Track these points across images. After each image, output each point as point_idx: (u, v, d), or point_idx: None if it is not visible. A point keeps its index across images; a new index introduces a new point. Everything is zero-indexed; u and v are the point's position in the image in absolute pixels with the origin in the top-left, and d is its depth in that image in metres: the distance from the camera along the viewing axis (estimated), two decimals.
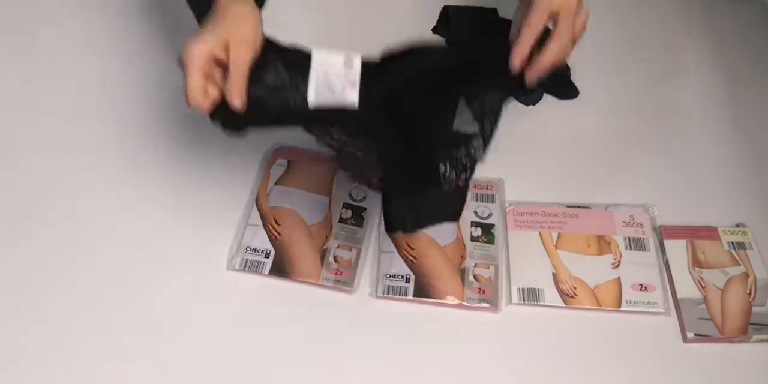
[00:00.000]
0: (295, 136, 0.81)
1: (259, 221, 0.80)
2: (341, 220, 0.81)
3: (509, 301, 0.76)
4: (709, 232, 0.81)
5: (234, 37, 0.61)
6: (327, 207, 0.82)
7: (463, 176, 0.63)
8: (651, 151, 0.90)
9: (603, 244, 0.80)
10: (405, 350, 0.73)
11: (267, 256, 0.77)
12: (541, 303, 0.76)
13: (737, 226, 0.82)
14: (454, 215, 0.70)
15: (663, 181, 0.87)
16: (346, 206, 0.82)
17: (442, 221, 0.71)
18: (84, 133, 0.86)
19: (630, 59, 0.99)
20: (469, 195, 0.81)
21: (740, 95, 0.96)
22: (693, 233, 0.81)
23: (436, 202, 0.66)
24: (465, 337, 0.74)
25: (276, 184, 0.83)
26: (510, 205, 0.83)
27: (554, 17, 0.65)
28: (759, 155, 0.90)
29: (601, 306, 0.76)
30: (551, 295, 0.76)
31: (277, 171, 0.84)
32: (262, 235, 0.79)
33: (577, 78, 0.95)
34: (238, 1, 0.64)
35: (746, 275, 0.78)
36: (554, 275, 0.77)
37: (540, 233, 0.80)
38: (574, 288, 0.77)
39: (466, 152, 0.63)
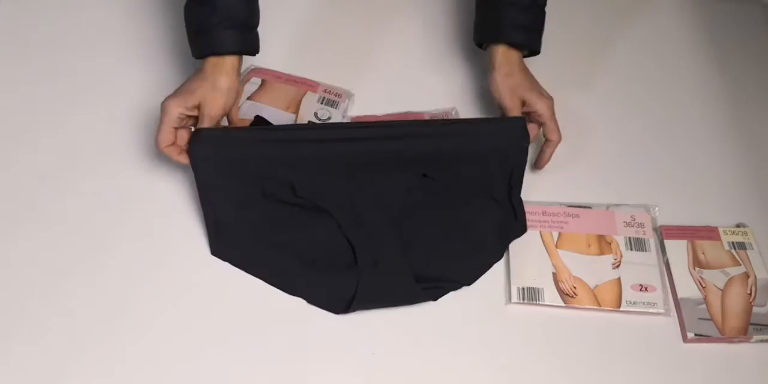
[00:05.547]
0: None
1: None
2: None
3: (509, 301, 0.76)
4: (710, 232, 0.81)
5: (206, 109, 0.75)
6: (293, 123, 0.87)
7: None
8: (652, 151, 0.89)
9: (603, 244, 0.80)
10: (401, 348, 0.73)
11: None
12: (540, 302, 0.76)
13: (738, 226, 0.82)
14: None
15: (663, 181, 0.87)
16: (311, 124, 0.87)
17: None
18: None
19: (630, 59, 0.99)
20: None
21: (740, 95, 0.96)
22: (693, 233, 0.81)
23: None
24: (463, 336, 0.74)
25: (248, 99, 0.88)
26: None
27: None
28: (759, 155, 0.90)
29: (601, 306, 0.76)
30: (551, 295, 0.76)
31: (250, 88, 0.89)
32: None
33: (578, 78, 0.95)
34: (224, 72, 0.75)
35: (746, 275, 0.78)
36: (554, 275, 0.77)
37: (540, 232, 0.80)
38: (574, 288, 0.76)
39: None
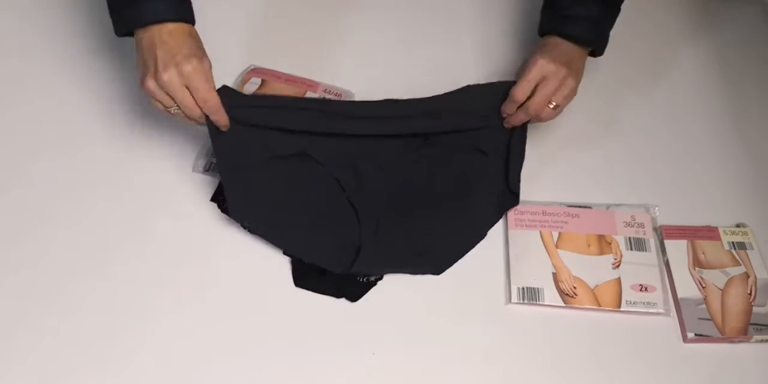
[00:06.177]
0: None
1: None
2: None
3: (509, 301, 0.76)
4: (710, 232, 0.81)
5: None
6: None
7: (374, 277, 0.77)
8: (652, 151, 0.89)
9: (603, 244, 0.80)
10: (401, 348, 0.73)
11: None
12: (540, 302, 0.76)
13: (738, 226, 0.82)
14: (351, 297, 0.76)
15: (664, 181, 0.87)
16: None
17: (340, 297, 0.76)
18: None
19: (629, 59, 0.99)
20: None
21: (740, 95, 0.96)
22: (693, 233, 0.81)
23: (344, 282, 0.76)
24: (463, 335, 0.74)
25: None
26: None
27: (542, 81, 0.75)
28: (759, 155, 0.90)
29: (600, 306, 0.76)
30: (551, 295, 0.76)
31: (250, 88, 0.89)
32: None
33: None
34: (186, 28, 0.71)
35: (747, 275, 0.78)
36: (554, 275, 0.77)
37: (540, 232, 0.80)
38: (574, 288, 0.76)
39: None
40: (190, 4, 0.73)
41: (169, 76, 0.68)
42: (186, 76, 0.68)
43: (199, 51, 0.70)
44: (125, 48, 0.92)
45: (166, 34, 0.69)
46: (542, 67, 0.75)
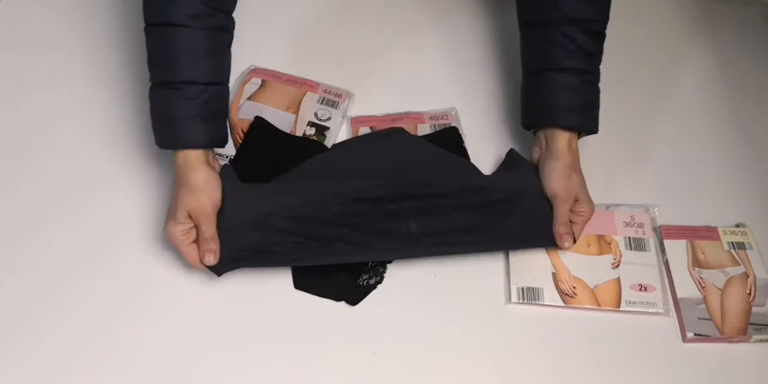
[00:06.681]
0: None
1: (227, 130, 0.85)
2: (304, 135, 0.87)
3: (509, 301, 0.76)
4: (709, 232, 0.81)
5: (196, 212, 0.71)
6: (293, 123, 0.87)
7: (374, 280, 0.77)
8: (652, 151, 0.90)
9: (603, 244, 0.80)
10: (401, 348, 0.73)
11: (230, 160, 0.84)
12: (540, 302, 0.76)
13: (737, 226, 0.82)
14: (351, 301, 0.76)
15: (663, 181, 0.87)
16: (311, 124, 0.88)
17: (339, 300, 0.76)
18: None
19: (630, 59, 0.99)
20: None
21: (740, 95, 0.97)
22: (693, 233, 0.81)
23: (344, 284, 0.76)
24: (463, 335, 0.74)
25: (248, 99, 0.89)
26: None
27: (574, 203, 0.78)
28: (759, 155, 0.90)
29: (600, 306, 0.76)
30: (551, 295, 0.76)
31: (250, 88, 0.90)
32: (229, 142, 0.82)
33: None
34: (194, 167, 0.72)
35: (746, 275, 0.78)
36: (554, 275, 0.77)
37: None
38: (574, 288, 0.77)
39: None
40: (224, 123, 0.76)
41: (165, 232, 0.72)
42: (169, 236, 0.72)
43: (194, 200, 0.71)
44: (128, 50, 0.92)
45: (179, 163, 0.73)
46: (592, 211, 0.77)
